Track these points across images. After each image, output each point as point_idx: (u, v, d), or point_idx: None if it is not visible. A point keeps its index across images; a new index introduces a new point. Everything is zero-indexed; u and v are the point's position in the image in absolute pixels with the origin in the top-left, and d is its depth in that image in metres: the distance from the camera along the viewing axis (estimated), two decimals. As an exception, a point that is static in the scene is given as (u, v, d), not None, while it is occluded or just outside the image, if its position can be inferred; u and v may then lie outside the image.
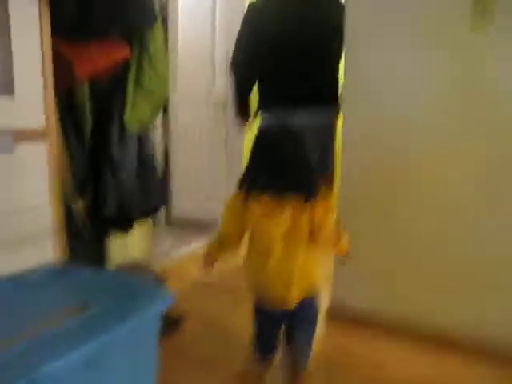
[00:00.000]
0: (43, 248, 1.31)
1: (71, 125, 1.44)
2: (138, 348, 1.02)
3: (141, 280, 1.18)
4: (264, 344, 1.43)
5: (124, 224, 1.63)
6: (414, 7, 1.58)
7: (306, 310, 1.36)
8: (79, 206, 1.47)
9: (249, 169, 1.35)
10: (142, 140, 1.56)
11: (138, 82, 1.48)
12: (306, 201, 1.28)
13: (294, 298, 1.31)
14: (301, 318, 1.36)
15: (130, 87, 1.47)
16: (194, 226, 2.81)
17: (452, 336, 1.62)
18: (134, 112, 1.49)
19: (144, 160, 1.56)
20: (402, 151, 1.66)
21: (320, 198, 1.30)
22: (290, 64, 2.03)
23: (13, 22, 1.15)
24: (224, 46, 2.93)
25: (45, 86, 1.25)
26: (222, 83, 2.94)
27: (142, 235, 2.17)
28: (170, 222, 2.63)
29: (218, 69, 2.98)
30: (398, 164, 1.67)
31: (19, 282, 1.12)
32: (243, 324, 1.79)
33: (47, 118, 1.26)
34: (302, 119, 1.94)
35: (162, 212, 2.39)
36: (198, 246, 2.73)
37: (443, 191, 1.61)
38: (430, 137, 1.61)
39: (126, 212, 1.53)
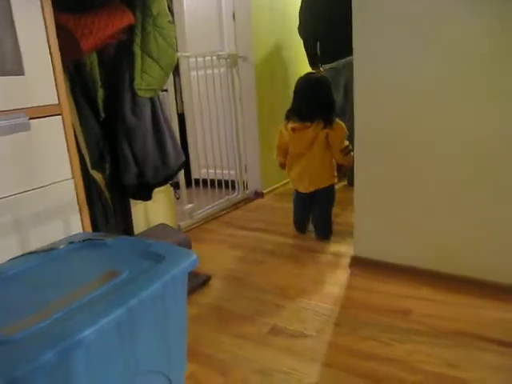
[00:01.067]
0: (69, 221, 1.35)
1: (83, 95, 1.44)
2: (167, 309, 1.06)
3: (166, 244, 1.21)
4: (298, 217, 2.34)
5: (144, 192, 1.66)
6: None
7: (321, 194, 2.23)
8: (99, 177, 1.50)
9: (291, 104, 2.20)
10: (155, 104, 1.56)
11: (144, 46, 1.45)
12: (324, 126, 2.09)
13: (312, 187, 2.20)
14: (318, 198, 2.25)
15: (137, 52, 1.45)
16: (214, 187, 2.84)
17: (475, 279, 1.64)
18: (144, 77, 1.48)
19: (159, 124, 1.56)
20: (414, 102, 1.62)
21: (334, 126, 2.11)
22: (337, 31, 2.68)
23: (13, 2, 1.14)
24: (230, 7, 2.84)
25: (53, 62, 1.24)
26: (231, 44, 2.87)
27: (164, 199, 2.22)
28: (189, 184, 2.66)
29: (225, 29, 2.91)
30: (411, 112, 1.64)
31: (50, 254, 1.16)
32: (268, 281, 1.84)
33: (59, 93, 1.26)
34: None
35: (181, 175, 2.41)
36: (219, 206, 2.77)
37: (456, 140, 1.58)
38: (442, 88, 1.56)
39: (146, 179, 1.56)
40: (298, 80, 2.20)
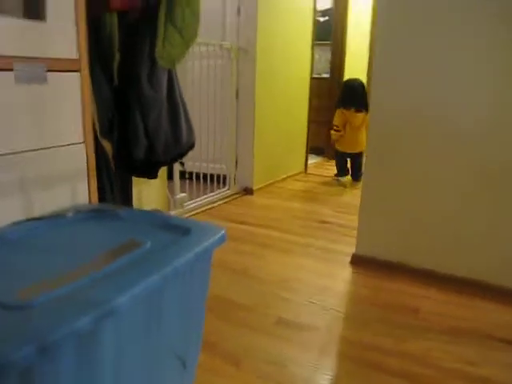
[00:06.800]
0: (76, 188, 1.24)
1: (98, 58, 1.34)
2: (192, 286, 0.98)
3: (188, 219, 1.13)
4: (340, 169, 3.48)
5: (151, 169, 1.56)
6: None
7: (358, 155, 3.42)
8: (108, 146, 1.40)
9: (341, 97, 3.42)
10: (172, 76, 1.47)
11: (169, 14, 1.37)
12: (366, 113, 3.23)
13: (357, 149, 3.38)
14: (356, 157, 3.43)
15: (162, 19, 1.36)
16: (202, 181, 2.74)
17: (481, 281, 1.64)
18: (166, 46, 1.39)
19: (174, 98, 1.47)
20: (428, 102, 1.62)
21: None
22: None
23: None
24: (235, 2, 2.79)
25: (77, 14, 1.15)
26: (233, 36, 2.81)
27: (158, 185, 2.11)
28: (183, 175, 2.56)
29: (228, 23, 2.85)
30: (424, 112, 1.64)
31: (56, 221, 1.06)
32: (269, 273, 1.78)
33: (79, 48, 1.17)
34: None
35: (176, 165, 2.31)
36: (209, 199, 2.69)
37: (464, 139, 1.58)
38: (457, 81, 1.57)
39: (156, 154, 1.46)
40: (349, 82, 3.45)
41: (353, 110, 3.29)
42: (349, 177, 3.49)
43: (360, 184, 2.95)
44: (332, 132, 3.45)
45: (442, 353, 1.28)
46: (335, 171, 3.55)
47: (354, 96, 3.30)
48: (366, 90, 3.34)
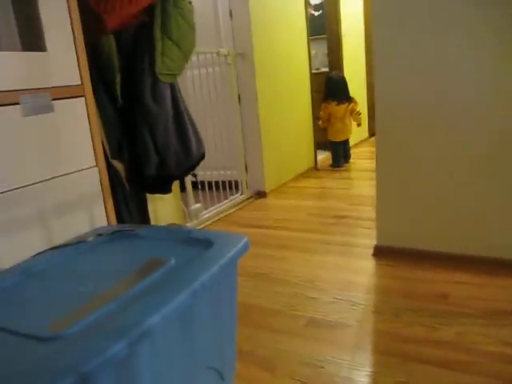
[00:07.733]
0: (93, 212, 1.25)
1: (100, 81, 1.35)
2: (221, 297, 0.98)
3: (208, 230, 1.13)
4: (334, 158, 3.88)
5: (164, 184, 1.56)
6: None
7: (345, 141, 3.92)
8: (120, 167, 1.40)
9: (325, 92, 3.79)
10: (175, 90, 1.47)
11: (164, 28, 1.37)
12: (348, 104, 3.79)
13: (345, 137, 3.88)
14: (346, 144, 3.95)
15: (157, 34, 1.36)
16: (213, 189, 2.74)
17: (503, 258, 1.61)
18: (164, 61, 1.39)
19: (179, 111, 1.47)
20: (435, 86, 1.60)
21: (353, 103, 3.83)
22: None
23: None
24: (226, 6, 2.79)
25: (75, 41, 1.15)
26: (229, 43, 2.81)
27: (171, 199, 2.12)
28: (195, 186, 2.56)
29: (222, 27, 2.84)
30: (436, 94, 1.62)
31: (78, 247, 1.07)
32: (293, 274, 1.77)
33: (81, 74, 1.17)
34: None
35: (187, 177, 2.31)
36: (223, 207, 2.69)
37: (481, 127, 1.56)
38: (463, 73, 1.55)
39: (168, 170, 1.46)
40: (331, 77, 3.78)
41: (335, 103, 3.71)
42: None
43: (349, 166, 3.88)
44: (319, 123, 3.88)
45: (477, 336, 1.26)
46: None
47: (336, 90, 3.71)
48: (346, 83, 3.73)
